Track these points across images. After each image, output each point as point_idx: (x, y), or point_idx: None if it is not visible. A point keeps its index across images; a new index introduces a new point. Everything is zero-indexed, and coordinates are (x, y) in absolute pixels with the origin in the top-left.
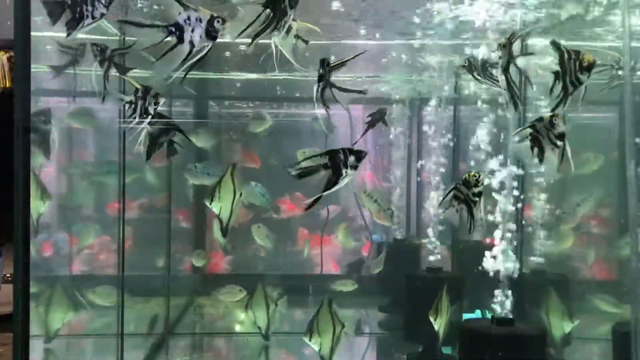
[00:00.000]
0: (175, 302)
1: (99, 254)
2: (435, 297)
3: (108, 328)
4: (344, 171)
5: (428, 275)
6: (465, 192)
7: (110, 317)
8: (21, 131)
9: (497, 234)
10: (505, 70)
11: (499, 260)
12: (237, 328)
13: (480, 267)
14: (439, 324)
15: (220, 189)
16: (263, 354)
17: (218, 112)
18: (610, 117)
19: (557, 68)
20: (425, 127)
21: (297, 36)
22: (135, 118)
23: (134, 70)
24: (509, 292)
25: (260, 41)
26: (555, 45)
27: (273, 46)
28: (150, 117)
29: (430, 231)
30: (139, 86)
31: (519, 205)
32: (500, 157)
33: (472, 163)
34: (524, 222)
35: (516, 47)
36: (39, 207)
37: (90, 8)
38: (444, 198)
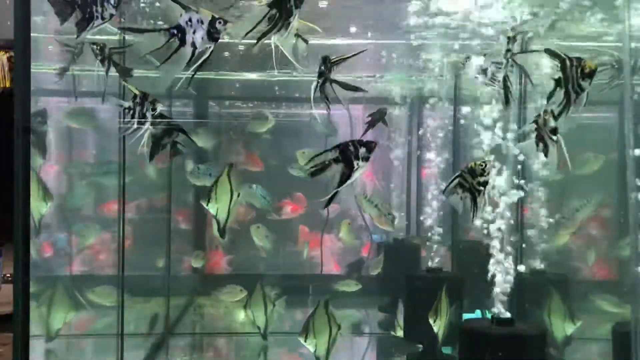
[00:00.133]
0: (175, 302)
1: (98, 254)
2: (435, 297)
3: (109, 328)
4: (355, 163)
5: (428, 275)
6: (471, 180)
7: (111, 317)
8: (21, 131)
9: (497, 234)
10: (509, 62)
11: (498, 260)
12: (237, 328)
13: (480, 267)
14: (438, 326)
15: (217, 190)
16: (263, 354)
17: (218, 112)
18: (610, 117)
19: (558, 75)
20: (425, 127)
21: (297, 35)
22: (132, 125)
23: (136, 71)
24: (510, 293)
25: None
26: (552, 53)
27: (273, 46)
28: (152, 118)
29: (430, 231)
30: (137, 92)
31: (519, 205)
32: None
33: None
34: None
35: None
36: (40, 208)
37: (99, 9)
38: (448, 185)
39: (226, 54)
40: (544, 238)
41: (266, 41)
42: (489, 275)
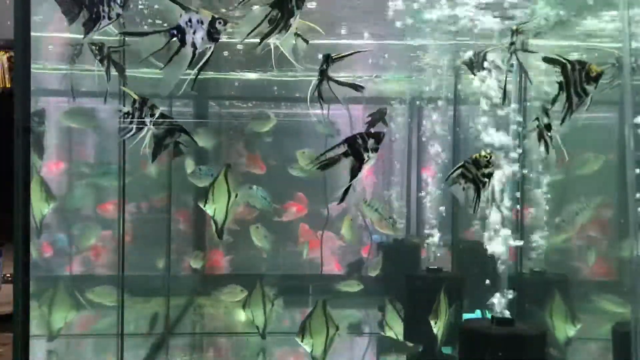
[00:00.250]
0: (175, 302)
1: (97, 253)
2: (435, 297)
3: (111, 328)
4: (365, 155)
5: (428, 275)
6: (475, 172)
7: (111, 317)
8: (21, 131)
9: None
10: (513, 55)
11: (499, 260)
12: (237, 328)
13: (480, 267)
14: (438, 328)
15: (214, 191)
16: (264, 354)
17: (218, 112)
18: (610, 117)
19: (561, 79)
20: (424, 126)
21: (296, 34)
22: (131, 130)
23: (138, 71)
24: (509, 292)
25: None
26: (550, 60)
27: (272, 46)
28: (154, 118)
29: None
30: (136, 97)
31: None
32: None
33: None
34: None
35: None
36: (42, 209)
37: (106, 9)
38: (450, 174)
39: (225, 53)
40: (544, 238)
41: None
42: (489, 275)
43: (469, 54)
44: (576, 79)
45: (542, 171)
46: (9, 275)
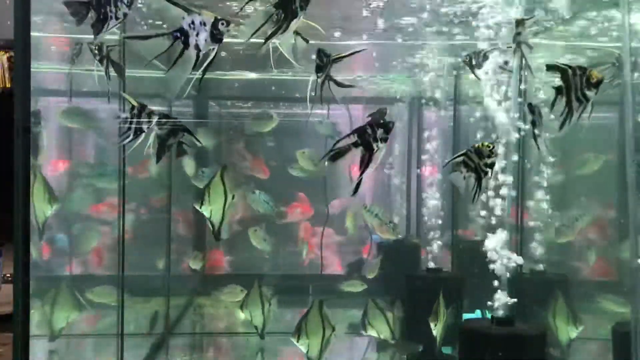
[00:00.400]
0: (175, 302)
1: (98, 256)
2: (435, 298)
3: (112, 328)
4: (375, 146)
5: (428, 275)
6: (477, 161)
7: (111, 317)
8: (21, 131)
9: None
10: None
11: (499, 260)
12: (232, 327)
13: (480, 267)
14: (437, 330)
15: (210, 192)
16: (262, 354)
17: (218, 112)
18: (610, 117)
19: (559, 83)
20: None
21: (296, 32)
22: (130, 135)
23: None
24: (510, 293)
25: (258, 40)
26: (552, 67)
27: (270, 46)
28: (152, 124)
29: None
30: (135, 103)
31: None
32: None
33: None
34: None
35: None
36: (45, 211)
37: (113, 9)
38: (451, 160)
39: (223, 53)
40: (544, 238)
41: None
42: (489, 275)
43: (470, 53)
44: (577, 85)
45: (540, 169)
46: (9, 275)
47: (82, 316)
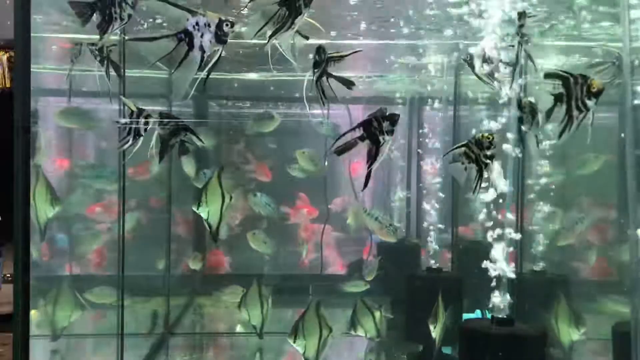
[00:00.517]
0: (174, 302)
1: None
2: (435, 298)
3: (113, 328)
4: (381, 138)
5: (428, 275)
6: (477, 152)
7: (111, 318)
8: (21, 131)
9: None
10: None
11: (499, 260)
12: (227, 327)
13: (480, 267)
14: (436, 332)
15: (207, 193)
16: (265, 354)
17: (218, 112)
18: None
19: (558, 91)
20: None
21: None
22: (129, 140)
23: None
24: (509, 293)
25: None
26: (552, 75)
27: (269, 45)
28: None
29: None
30: (134, 108)
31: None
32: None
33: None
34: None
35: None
36: (48, 212)
37: (118, 10)
38: (451, 150)
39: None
40: (544, 238)
41: (263, 41)
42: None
43: (471, 52)
44: (577, 93)
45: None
46: (9, 275)
47: (82, 316)
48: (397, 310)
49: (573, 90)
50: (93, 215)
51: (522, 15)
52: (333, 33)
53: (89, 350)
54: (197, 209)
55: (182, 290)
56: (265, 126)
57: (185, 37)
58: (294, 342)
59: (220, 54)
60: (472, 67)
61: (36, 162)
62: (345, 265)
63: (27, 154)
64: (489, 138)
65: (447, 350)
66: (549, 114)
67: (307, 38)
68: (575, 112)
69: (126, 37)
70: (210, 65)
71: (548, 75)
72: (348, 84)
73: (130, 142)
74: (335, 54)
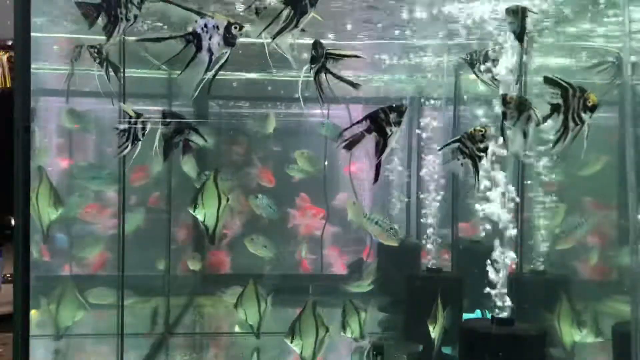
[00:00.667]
0: (174, 302)
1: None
2: (434, 298)
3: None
4: (388, 130)
5: (428, 275)
6: (471, 146)
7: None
8: (21, 131)
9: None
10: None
11: (499, 260)
12: (228, 327)
13: (480, 268)
14: (435, 331)
15: (203, 195)
16: (268, 353)
17: (218, 112)
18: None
19: (556, 101)
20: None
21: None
22: (127, 145)
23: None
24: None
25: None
26: (552, 82)
27: (266, 45)
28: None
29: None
30: (133, 113)
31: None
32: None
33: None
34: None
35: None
36: (51, 214)
37: (124, 11)
38: (444, 146)
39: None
40: (544, 239)
41: (261, 40)
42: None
43: (470, 51)
44: (574, 106)
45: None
46: (9, 275)
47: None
48: (397, 311)
49: (570, 102)
50: (86, 217)
51: (522, 12)
52: (330, 35)
53: (89, 350)
54: (193, 211)
55: (182, 290)
56: (264, 127)
57: (194, 38)
58: (291, 342)
59: (228, 57)
60: (472, 66)
61: (36, 162)
62: (345, 265)
63: (27, 154)
64: (481, 131)
65: (447, 350)
66: (544, 120)
67: (304, 31)
68: (571, 124)
69: (125, 38)
70: (217, 66)
71: (548, 81)
72: (354, 85)
73: (129, 147)
74: (334, 51)
